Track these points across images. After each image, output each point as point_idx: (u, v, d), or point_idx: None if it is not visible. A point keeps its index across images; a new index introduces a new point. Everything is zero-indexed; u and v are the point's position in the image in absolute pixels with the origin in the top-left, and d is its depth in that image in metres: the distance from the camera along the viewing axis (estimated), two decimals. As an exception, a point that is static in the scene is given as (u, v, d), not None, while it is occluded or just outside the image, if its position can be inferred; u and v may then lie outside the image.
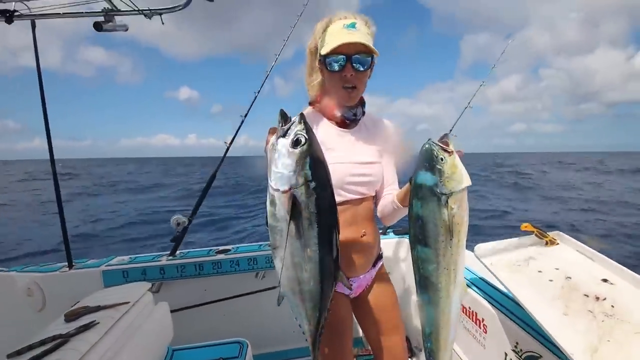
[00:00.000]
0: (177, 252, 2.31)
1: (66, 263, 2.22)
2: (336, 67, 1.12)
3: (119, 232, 10.09)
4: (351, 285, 1.29)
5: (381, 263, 1.41)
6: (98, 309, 1.26)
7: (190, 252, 2.35)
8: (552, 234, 1.47)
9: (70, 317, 1.22)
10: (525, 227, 1.46)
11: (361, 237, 1.25)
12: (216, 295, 2.27)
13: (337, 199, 1.15)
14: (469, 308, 1.58)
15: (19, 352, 1.04)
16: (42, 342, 1.08)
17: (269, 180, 0.84)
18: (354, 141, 1.25)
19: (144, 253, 2.41)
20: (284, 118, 0.85)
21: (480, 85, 2.47)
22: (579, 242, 1.39)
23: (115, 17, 2.04)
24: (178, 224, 2.24)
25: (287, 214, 0.82)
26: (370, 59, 1.14)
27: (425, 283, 0.95)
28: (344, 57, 1.11)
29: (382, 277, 1.41)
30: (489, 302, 1.45)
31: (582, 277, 1.23)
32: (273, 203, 0.84)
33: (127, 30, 2.11)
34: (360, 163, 1.22)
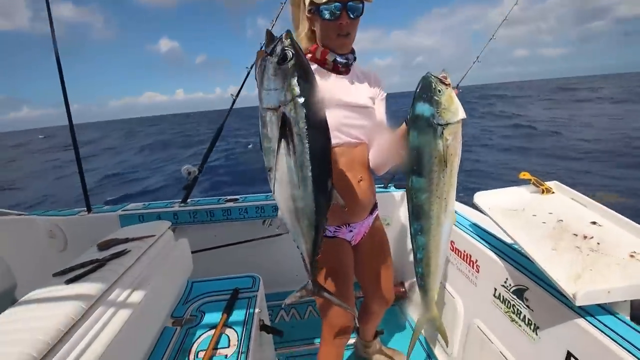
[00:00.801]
0: (188, 200, 2.42)
1: (84, 208, 2.33)
2: (332, 15, 1.13)
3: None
4: (352, 230, 1.39)
5: (377, 212, 1.50)
6: (126, 240, 1.38)
7: (200, 200, 2.46)
8: (549, 184, 1.55)
9: (102, 246, 1.33)
10: (524, 175, 1.55)
11: (358, 182, 1.32)
12: (226, 240, 2.41)
13: (335, 141, 1.21)
14: (464, 251, 1.70)
15: (63, 272, 1.16)
16: (82, 265, 1.19)
17: (260, 102, 0.84)
18: (348, 86, 1.29)
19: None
20: (271, 38, 0.84)
21: (490, 40, 2.46)
22: (574, 191, 1.48)
23: None
24: (189, 173, 2.33)
25: (277, 132, 0.83)
26: (362, 5, 1.16)
27: (418, 212, 1.02)
28: (340, 4, 1.12)
29: (378, 225, 1.52)
30: (483, 245, 1.57)
31: (573, 220, 1.33)
32: (265, 124, 0.84)
33: None
34: (356, 106, 1.27)
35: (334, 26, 1.16)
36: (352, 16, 1.15)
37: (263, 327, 1.47)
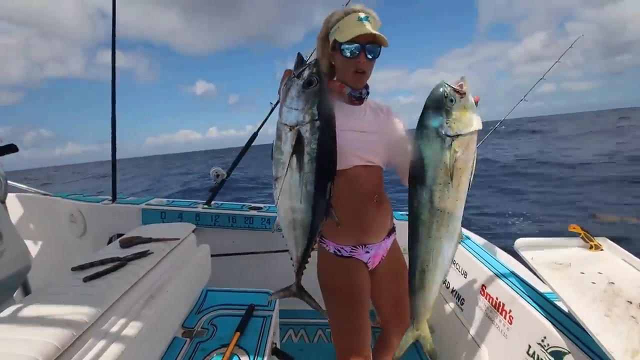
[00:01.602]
0: (212, 202, 2.39)
1: (109, 197, 2.33)
2: (352, 54, 1.23)
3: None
4: (368, 252, 1.36)
5: (394, 235, 1.47)
6: (150, 240, 1.34)
7: (224, 204, 2.43)
8: (599, 240, 1.44)
9: (125, 243, 1.30)
10: (573, 228, 1.45)
11: (373, 202, 1.32)
12: (244, 248, 2.36)
13: (348, 164, 1.28)
14: (497, 298, 1.59)
15: (82, 267, 1.12)
16: (102, 262, 1.16)
17: (279, 116, 0.92)
18: (361, 115, 1.36)
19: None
20: (301, 61, 0.92)
21: (539, 80, 2.38)
22: (625, 251, 1.37)
23: None
24: (217, 176, 2.31)
25: (291, 148, 0.90)
26: (379, 49, 1.26)
27: (416, 222, 0.96)
28: (359, 45, 1.21)
29: (396, 249, 1.48)
30: (520, 295, 1.46)
31: (626, 284, 1.22)
32: (280, 137, 0.92)
33: None
34: (368, 132, 1.33)
35: (353, 63, 1.25)
36: (369, 57, 1.24)
37: (275, 351, 1.40)
